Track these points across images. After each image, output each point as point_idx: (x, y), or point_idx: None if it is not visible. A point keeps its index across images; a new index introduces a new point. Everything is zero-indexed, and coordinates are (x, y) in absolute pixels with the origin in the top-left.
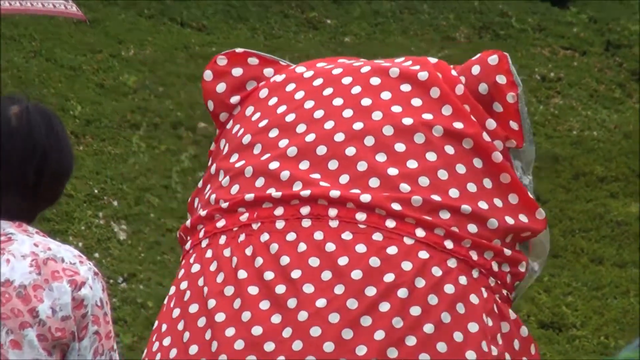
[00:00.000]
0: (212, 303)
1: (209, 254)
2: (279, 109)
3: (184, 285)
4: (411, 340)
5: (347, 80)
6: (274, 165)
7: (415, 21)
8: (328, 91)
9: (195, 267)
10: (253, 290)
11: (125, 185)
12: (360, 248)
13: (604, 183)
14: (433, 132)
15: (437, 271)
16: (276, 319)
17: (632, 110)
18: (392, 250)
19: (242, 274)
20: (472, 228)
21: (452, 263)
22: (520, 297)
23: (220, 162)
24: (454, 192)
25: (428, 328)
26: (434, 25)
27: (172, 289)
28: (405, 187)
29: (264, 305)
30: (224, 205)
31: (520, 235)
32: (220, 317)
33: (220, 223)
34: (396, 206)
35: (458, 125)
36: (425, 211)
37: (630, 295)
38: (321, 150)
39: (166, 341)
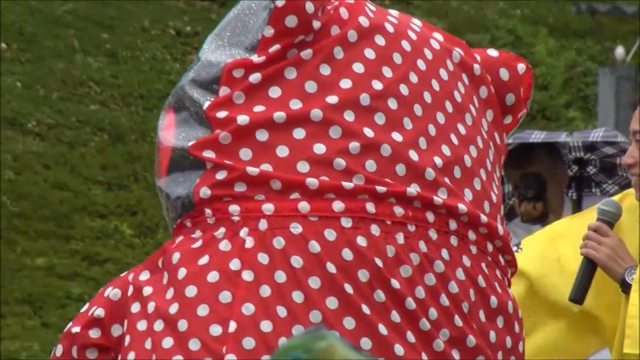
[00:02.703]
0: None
1: (361, 241)
2: (385, 71)
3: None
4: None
5: (429, 54)
6: (413, 155)
7: None
8: (422, 65)
9: (361, 243)
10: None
11: None
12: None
13: None
14: (491, 147)
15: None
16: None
17: None
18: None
19: (420, 292)
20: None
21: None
22: None
23: (329, 112)
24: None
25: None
26: None
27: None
28: (486, 207)
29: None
30: (367, 185)
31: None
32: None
33: (370, 207)
34: (482, 230)
35: (496, 137)
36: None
37: None
38: (446, 152)
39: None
